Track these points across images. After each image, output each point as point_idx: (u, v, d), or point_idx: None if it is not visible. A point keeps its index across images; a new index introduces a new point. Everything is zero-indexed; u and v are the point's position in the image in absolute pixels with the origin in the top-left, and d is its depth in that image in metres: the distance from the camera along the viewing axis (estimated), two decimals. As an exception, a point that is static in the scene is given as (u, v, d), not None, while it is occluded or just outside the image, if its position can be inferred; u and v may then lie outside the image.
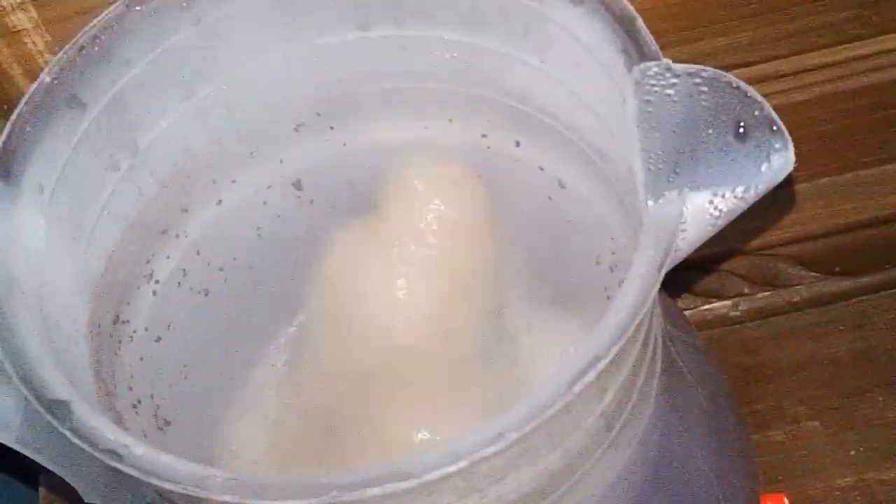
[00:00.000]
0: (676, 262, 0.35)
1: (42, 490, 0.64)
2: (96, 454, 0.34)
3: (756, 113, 0.35)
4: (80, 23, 0.43)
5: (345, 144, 0.50)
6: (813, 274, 0.69)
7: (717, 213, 0.35)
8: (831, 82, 0.59)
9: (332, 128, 0.49)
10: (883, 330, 0.68)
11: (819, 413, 0.66)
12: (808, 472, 0.64)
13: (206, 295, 0.51)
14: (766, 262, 0.68)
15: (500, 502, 0.36)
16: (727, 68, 0.36)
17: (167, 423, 0.47)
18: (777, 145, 0.35)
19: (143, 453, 0.34)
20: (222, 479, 0.33)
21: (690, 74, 0.36)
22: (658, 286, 0.34)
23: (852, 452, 0.65)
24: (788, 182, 0.62)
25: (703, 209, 0.35)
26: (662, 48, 0.38)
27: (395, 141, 0.49)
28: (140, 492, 0.39)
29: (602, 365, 0.33)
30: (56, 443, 0.36)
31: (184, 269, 0.49)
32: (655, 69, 0.37)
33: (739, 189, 0.35)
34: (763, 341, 0.69)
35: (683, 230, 0.35)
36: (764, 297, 0.70)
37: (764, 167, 0.35)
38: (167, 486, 0.33)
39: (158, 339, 0.48)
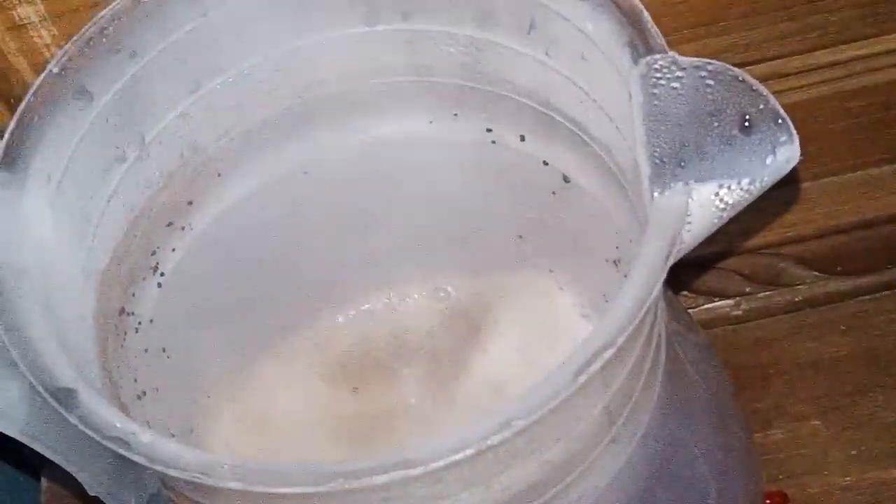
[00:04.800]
0: (682, 254, 0.35)
1: (44, 481, 0.64)
2: (104, 442, 0.34)
3: (761, 106, 0.35)
4: (86, 16, 0.43)
5: (351, 138, 0.50)
6: (815, 273, 0.69)
7: (722, 206, 0.35)
8: (836, 81, 0.59)
9: (338, 121, 0.49)
10: (884, 330, 0.68)
11: (820, 412, 0.66)
12: (809, 472, 0.64)
13: (212, 288, 0.51)
14: (768, 261, 0.68)
15: (504, 493, 0.36)
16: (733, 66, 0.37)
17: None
18: (783, 138, 0.35)
19: (150, 441, 0.34)
20: (230, 466, 0.33)
21: (696, 68, 0.36)
22: (663, 278, 0.34)
23: (853, 452, 0.65)
24: (795, 180, 0.63)
25: (708, 201, 0.35)
26: (667, 46, 0.38)
27: (401, 135, 0.50)
28: (144, 483, 0.40)
29: (608, 355, 0.33)
30: (62, 434, 0.36)
31: (189, 262, 0.49)
32: (661, 62, 0.37)
33: (745, 181, 0.35)
34: (764, 341, 0.69)
35: (689, 222, 0.35)
36: (766, 296, 0.70)
37: (769, 160, 0.35)
38: (174, 473, 0.33)
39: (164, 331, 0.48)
